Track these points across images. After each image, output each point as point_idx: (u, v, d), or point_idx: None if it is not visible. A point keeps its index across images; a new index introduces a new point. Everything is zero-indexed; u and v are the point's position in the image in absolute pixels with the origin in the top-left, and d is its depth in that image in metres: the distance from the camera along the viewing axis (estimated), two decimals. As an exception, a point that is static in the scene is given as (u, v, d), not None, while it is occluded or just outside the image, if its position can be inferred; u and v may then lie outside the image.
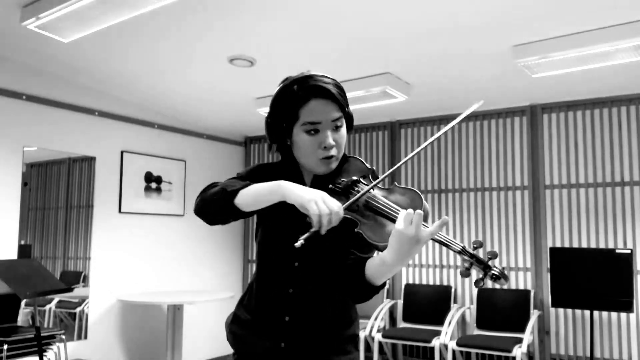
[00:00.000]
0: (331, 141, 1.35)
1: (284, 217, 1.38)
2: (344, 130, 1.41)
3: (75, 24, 3.06)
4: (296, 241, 1.29)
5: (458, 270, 1.12)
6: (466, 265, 1.16)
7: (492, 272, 1.14)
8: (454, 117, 5.01)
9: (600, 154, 4.44)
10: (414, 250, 1.17)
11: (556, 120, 4.64)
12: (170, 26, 3.31)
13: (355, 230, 1.26)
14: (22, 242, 4.07)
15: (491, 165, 4.90)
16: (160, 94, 4.71)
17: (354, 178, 1.36)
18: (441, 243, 1.20)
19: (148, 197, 5.03)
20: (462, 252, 1.17)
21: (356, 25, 3.25)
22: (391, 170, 1.35)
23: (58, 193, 4.44)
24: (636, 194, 4.28)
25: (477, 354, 4.74)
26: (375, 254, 1.34)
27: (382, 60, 3.80)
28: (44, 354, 3.84)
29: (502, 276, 1.14)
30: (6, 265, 3.39)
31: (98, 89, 4.60)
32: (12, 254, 3.98)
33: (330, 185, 1.37)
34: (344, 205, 1.24)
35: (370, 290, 1.29)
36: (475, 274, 1.17)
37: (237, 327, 1.48)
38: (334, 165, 1.39)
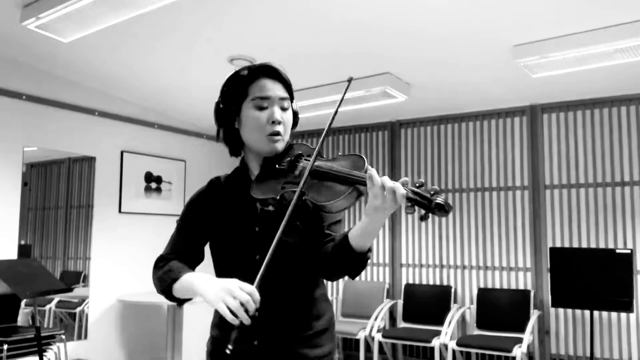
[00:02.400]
0: (279, 116, 1.41)
1: (232, 212, 1.45)
2: (289, 113, 1.46)
3: (75, 24, 3.06)
4: (252, 231, 1.39)
5: (404, 211, 1.19)
6: (409, 203, 1.16)
7: (437, 201, 1.12)
8: (453, 117, 5.04)
9: (600, 154, 4.44)
10: (390, 211, 1.19)
11: (556, 120, 4.64)
12: (170, 26, 3.31)
13: (303, 198, 1.27)
14: (22, 242, 4.07)
15: (491, 165, 4.90)
16: (160, 94, 4.71)
17: (298, 152, 1.41)
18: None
19: (148, 197, 5.03)
20: (405, 191, 1.17)
21: (356, 25, 3.25)
22: (319, 143, 1.34)
23: (58, 193, 4.44)
24: (636, 194, 4.28)
25: (477, 354, 4.74)
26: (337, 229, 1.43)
27: (382, 60, 3.80)
28: (44, 354, 3.84)
29: (445, 204, 1.13)
30: (6, 265, 3.39)
31: (98, 89, 4.60)
32: (12, 254, 3.98)
33: (277, 165, 1.41)
34: (297, 192, 1.24)
35: (362, 259, 1.28)
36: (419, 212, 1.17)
37: (212, 345, 1.50)
38: (280, 145, 1.43)
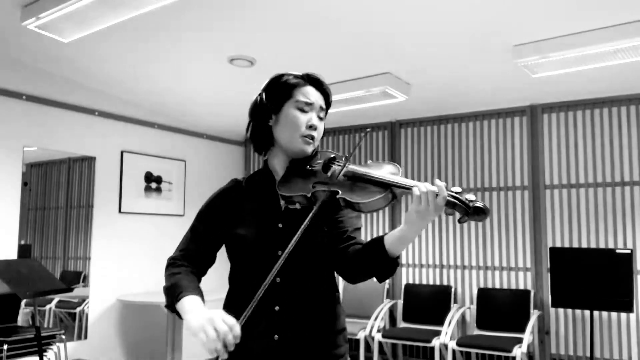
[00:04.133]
0: (316, 122, 1.49)
1: (254, 209, 1.50)
2: (323, 124, 1.54)
3: (75, 24, 3.06)
4: (275, 228, 1.44)
5: (444, 212, 1.34)
6: (448, 206, 1.26)
7: (476, 205, 1.23)
8: (453, 117, 5.04)
9: (600, 154, 4.44)
10: (432, 216, 1.27)
11: (556, 120, 4.64)
12: (170, 26, 3.31)
13: (337, 197, 1.35)
14: (22, 242, 4.07)
15: (491, 165, 4.90)
16: (160, 94, 4.71)
17: (332, 155, 1.48)
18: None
19: (148, 197, 5.03)
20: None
21: (356, 26, 3.25)
22: (354, 149, 1.47)
23: (58, 193, 4.44)
24: (636, 194, 4.27)
25: (477, 354, 4.74)
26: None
27: (382, 60, 3.80)
28: (44, 354, 3.84)
29: (484, 208, 1.22)
30: (6, 265, 3.39)
31: (98, 89, 4.60)
32: (12, 254, 3.98)
33: (308, 167, 1.48)
34: (331, 189, 1.34)
35: (395, 265, 1.35)
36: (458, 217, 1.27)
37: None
38: (311, 148, 1.50)
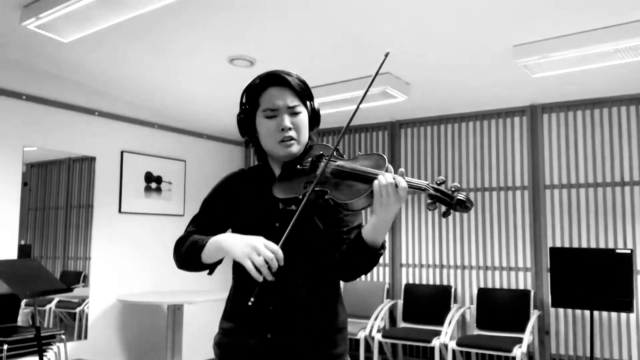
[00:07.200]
0: (287, 123, 1.44)
1: (254, 207, 1.50)
2: (302, 116, 1.49)
3: (75, 24, 3.06)
4: (273, 227, 1.40)
5: (425, 206, 1.29)
6: (430, 200, 1.21)
7: (458, 197, 1.18)
8: (453, 117, 5.04)
9: (600, 154, 4.44)
10: (395, 206, 1.25)
11: (556, 120, 4.64)
12: (170, 26, 3.31)
13: (326, 197, 1.32)
14: (22, 242, 4.07)
15: (491, 165, 4.90)
16: (160, 93, 4.71)
17: (319, 153, 1.45)
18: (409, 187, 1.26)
19: (148, 197, 5.03)
20: (427, 188, 1.23)
21: (356, 26, 3.25)
22: (337, 143, 1.41)
23: (58, 193, 4.44)
24: (636, 194, 4.27)
25: (477, 354, 4.74)
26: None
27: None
28: (44, 354, 3.84)
29: (467, 200, 1.18)
30: (6, 265, 3.39)
31: (98, 89, 4.60)
32: (12, 254, 3.98)
33: (298, 166, 1.46)
34: (310, 188, 1.30)
35: (374, 254, 1.34)
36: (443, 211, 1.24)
37: (222, 336, 1.51)
38: (294, 148, 1.47)
